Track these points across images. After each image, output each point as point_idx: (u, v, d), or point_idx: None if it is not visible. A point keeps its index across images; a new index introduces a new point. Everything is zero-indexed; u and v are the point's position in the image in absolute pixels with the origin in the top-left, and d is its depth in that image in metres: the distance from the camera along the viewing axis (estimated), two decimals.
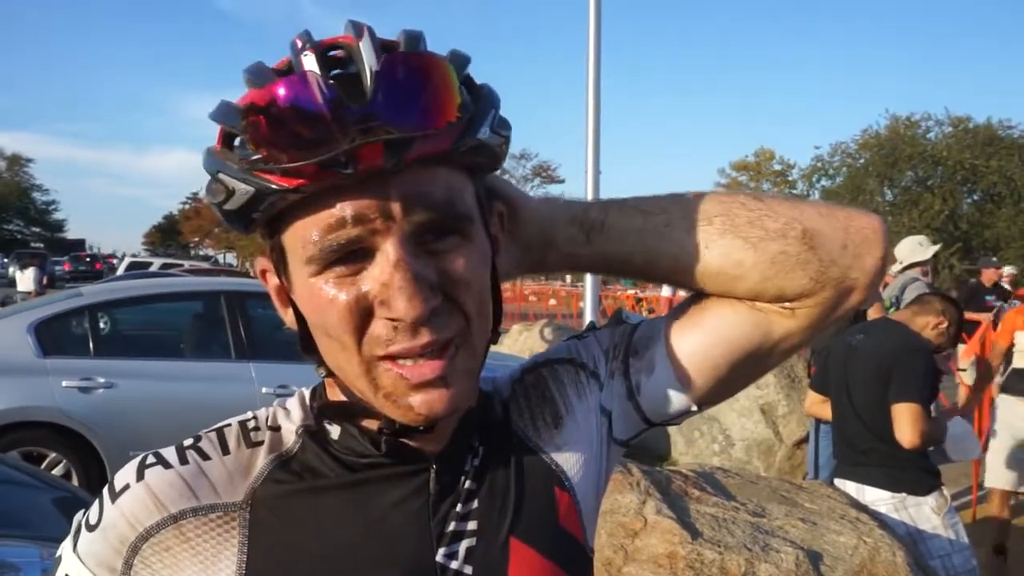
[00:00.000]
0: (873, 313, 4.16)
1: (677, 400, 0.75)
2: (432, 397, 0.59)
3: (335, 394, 0.68)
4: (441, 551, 0.67)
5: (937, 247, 5.41)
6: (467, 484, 0.70)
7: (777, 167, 52.33)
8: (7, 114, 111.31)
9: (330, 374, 0.66)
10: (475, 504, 0.69)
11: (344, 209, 0.56)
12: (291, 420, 0.70)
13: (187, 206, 60.27)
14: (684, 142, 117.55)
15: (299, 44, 0.58)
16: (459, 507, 0.69)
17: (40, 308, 5.16)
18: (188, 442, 0.68)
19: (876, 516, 2.87)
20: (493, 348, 0.70)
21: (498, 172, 0.69)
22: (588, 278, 10.40)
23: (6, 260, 33.18)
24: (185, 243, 62.20)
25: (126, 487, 0.65)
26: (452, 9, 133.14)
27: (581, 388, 0.78)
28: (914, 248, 5.32)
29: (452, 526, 0.68)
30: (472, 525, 0.68)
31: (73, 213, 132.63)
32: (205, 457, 0.67)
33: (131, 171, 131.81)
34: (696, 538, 2.47)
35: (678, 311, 0.77)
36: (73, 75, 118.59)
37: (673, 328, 0.76)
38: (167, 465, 0.66)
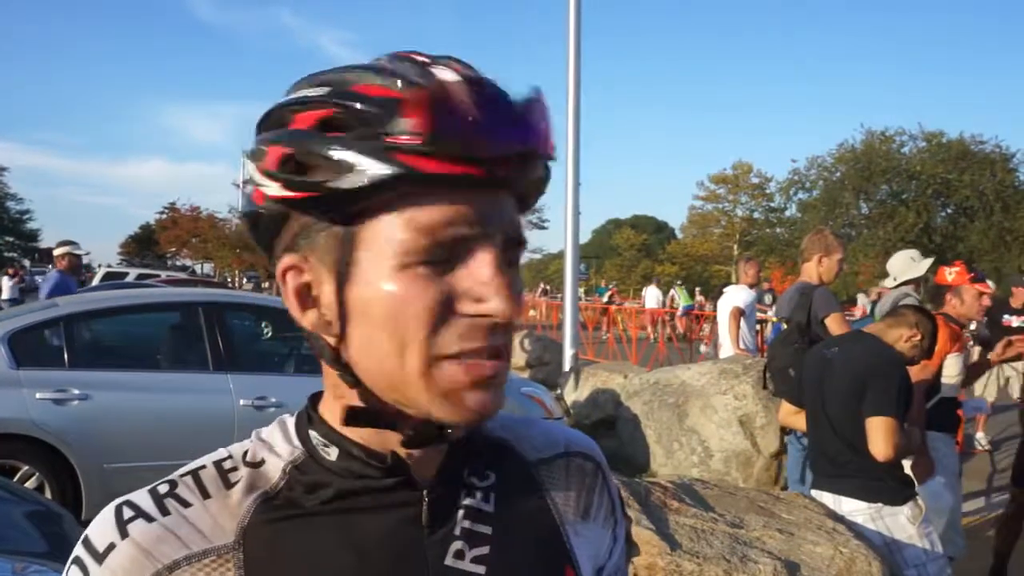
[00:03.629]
0: (832, 324, 4.17)
1: None
2: (486, 396, 0.61)
3: (334, 409, 0.66)
4: None
5: (929, 261, 5.17)
6: (474, 525, 0.69)
7: (755, 180, 52.86)
8: None
9: (356, 383, 0.63)
10: (487, 550, 0.69)
11: (466, 207, 0.59)
12: (276, 455, 0.68)
13: (164, 216, 59.71)
14: (664, 155, 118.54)
15: (422, 58, 0.60)
16: (462, 545, 0.68)
17: (14, 318, 5.08)
18: (163, 489, 0.65)
19: (853, 526, 2.90)
20: None
21: None
22: (567, 290, 10.44)
23: None
24: (161, 253, 61.54)
25: (111, 546, 0.62)
26: (430, 20, 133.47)
27: (611, 526, 0.81)
28: (907, 264, 5.18)
29: (453, 562, 0.67)
30: (479, 570, 0.68)
31: (48, 222, 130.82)
32: (186, 504, 0.64)
33: (107, 180, 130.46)
34: (675, 549, 2.48)
35: None
36: (48, 83, 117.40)
37: None
38: (149, 518, 0.63)
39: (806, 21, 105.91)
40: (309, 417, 0.69)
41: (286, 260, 0.63)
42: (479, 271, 0.59)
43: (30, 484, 4.51)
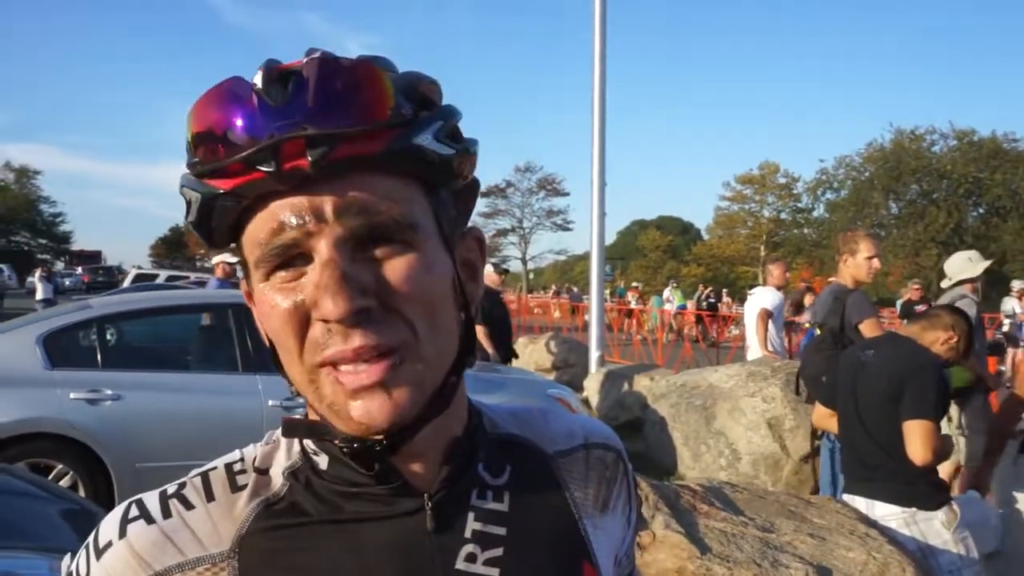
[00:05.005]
0: (867, 329, 4.12)
1: None
2: (371, 405, 0.58)
3: (314, 414, 0.64)
4: None
5: (988, 263, 5.15)
6: (486, 527, 0.67)
7: (782, 180, 52.39)
8: (15, 126, 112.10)
9: (298, 392, 0.63)
10: (500, 551, 0.67)
11: (281, 212, 0.57)
12: (278, 462, 0.68)
13: None
14: (690, 155, 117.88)
15: (259, 68, 0.60)
16: (473, 548, 0.66)
17: (49, 320, 5.17)
18: (172, 489, 0.66)
19: (886, 531, 2.86)
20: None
21: (463, 184, 0.66)
22: (593, 292, 10.42)
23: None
24: (191, 255, 62.34)
25: (108, 544, 0.63)
26: (454, 22, 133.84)
27: (627, 514, 0.80)
28: (963, 264, 5.18)
29: (465, 567, 0.65)
30: (493, 572, 0.66)
31: (80, 225, 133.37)
32: (189, 507, 0.65)
33: (137, 183, 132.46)
34: (705, 553, 2.46)
35: None
36: (80, 87, 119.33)
37: None
38: (149, 520, 0.64)
39: (834, 20, 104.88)
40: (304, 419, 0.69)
41: (243, 284, 0.66)
42: (313, 274, 0.57)
43: (64, 482, 4.58)
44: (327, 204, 0.57)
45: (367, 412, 0.57)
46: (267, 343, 0.63)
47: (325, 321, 0.57)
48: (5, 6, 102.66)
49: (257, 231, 0.59)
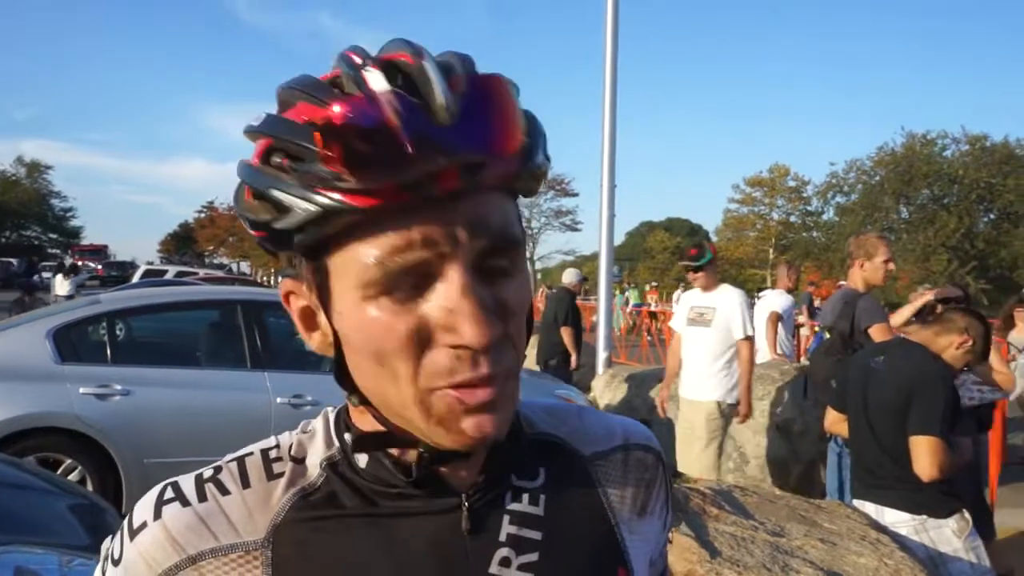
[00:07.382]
0: (877, 335, 4.09)
1: None
2: (483, 420, 0.57)
3: (364, 421, 0.64)
4: None
5: None
6: (520, 531, 0.67)
7: (792, 183, 52.14)
8: (27, 122, 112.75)
9: (364, 402, 0.62)
10: (536, 557, 0.66)
11: (413, 231, 0.54)
12: (315, 452, 0.67)
13: (202, 215, 60.63)
14: (699, 157, 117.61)
15: (357, 59, 0.56)
16: (508, 552, 0.65)
17: (58, 314, 5.20)
18: (208, 473, 0.66)
19: (896, 538, 2.84)
20: None
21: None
22: (601, 293, 10.39)
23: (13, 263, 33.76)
24: (200, 251, 62.53)
25: (143, 525, 0.63)
26: (465, 18, 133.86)
27: (663, 517, 0.78)
28: None
29: (499, 571, 0.65)
30: None
31: (90, 220, 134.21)
32: (224, 492, 0.64)
33: (148, 179, 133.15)
34: (715, 557, 2.45)
35: None
36: (92, 83, 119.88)
37: None
38: (185, 502, 0.63)
39: (846, 23, 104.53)
40: (346, 420, 0.68)
41: (286, 284, 0.63)
42: (445, 297, 0.55)
43: (72, 477, 4.60)
44: (461, 226, 0.54)
45: (479, 427, 0.57)
46: (333, 355, 0.60)
47: (457, 347, 0.55)
48: (17, 4, 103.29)
49: (373, 247, 0.54)
